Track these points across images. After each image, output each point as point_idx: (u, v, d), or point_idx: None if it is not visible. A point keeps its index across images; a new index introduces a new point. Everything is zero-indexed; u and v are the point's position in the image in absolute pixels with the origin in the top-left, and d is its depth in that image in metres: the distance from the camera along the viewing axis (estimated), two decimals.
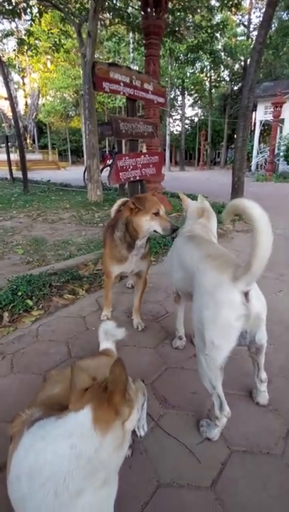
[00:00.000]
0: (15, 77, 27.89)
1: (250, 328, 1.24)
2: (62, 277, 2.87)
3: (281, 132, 16.64)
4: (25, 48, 10.19)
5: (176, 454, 1.27)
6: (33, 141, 29.45)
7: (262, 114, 19.07)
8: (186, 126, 31.51)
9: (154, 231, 1.89)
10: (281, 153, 15.62)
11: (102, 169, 8.83)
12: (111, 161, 9.97)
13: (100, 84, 3.43)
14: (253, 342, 1.31)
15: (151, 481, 1.16)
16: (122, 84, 3.71)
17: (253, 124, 18.92)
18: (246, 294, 1.18)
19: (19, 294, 2.46)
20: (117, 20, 8.64)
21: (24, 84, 33.05)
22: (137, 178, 4.21)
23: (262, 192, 9.82)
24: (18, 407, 1.48)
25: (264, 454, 1.27)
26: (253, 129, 19.41)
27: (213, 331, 1.20)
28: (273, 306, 2.55)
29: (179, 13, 8.27)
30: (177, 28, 8.67)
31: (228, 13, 13.61)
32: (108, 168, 10.11)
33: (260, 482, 1.16)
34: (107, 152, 11.15)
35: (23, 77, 33.21)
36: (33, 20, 9.17)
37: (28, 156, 13.37)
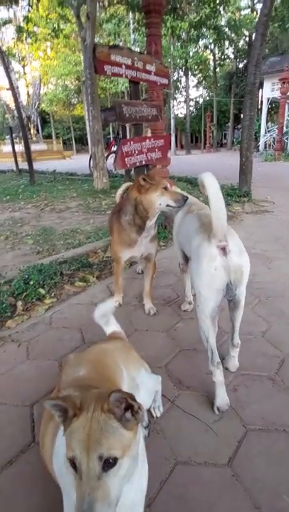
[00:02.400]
0: (15, 66, 27.50)
1: (234, 281, 1.38)
2: (73, 265, 2.89)
3: None
4: (24, 35, 9.99)
5: (192, 432, 1.29)
6: (37, 131, 29.25)
7: (269, 91, 18.44)
8: (191, 109, 30.72)
9: (167, 206, 1.88)
10: None
11: (108, 156, 8.73)
12: (116, 147, 9.86)
13: (101, 67, 3.33)
14: (233, 296, 1.44)
15: (168, 460, 1.18)
16: (123, 66, 3.60)
17: (259, 102, 18.33)
18: (224, 249, 1.36)
19: (31, 283, 2.49)
20: (116, 0, 8.36)
21: (25, 73, 32.61)
22: (143, 162, 4.14)
23: (271, 172, 9.60)
24: (37, 393, 1.53)
25: (280, 431, 1.28)
26: (259, 107, 18.81)
27: (199, 282, 1.39)
28: (285, 286, 2.53)
29: None
30: (178, 5, 8.35)
31: None
32: (113, 154, 10.01)
33: (276, 458, 1.17)
34: (111, 138, 11.00)
35: (23, 66, 32.75)
36: (31, 6, 8.95)
37: (33, 147, 13.33)
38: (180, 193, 1.87)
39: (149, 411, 1.36)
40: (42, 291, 2.49)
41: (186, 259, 1.93)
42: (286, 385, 1.51)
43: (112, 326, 1.42)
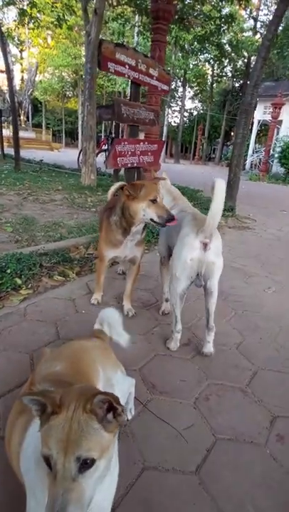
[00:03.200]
0: (12, 49, 26.79)
1: (204, 273, 1.66)
2: (53, 258, 2.82)
3: (278, 134, 16.73)
4: (27, 19, 9.77)
5: (162, 438, 1.28)
6: (27, 118, 28.58)
7: (261, 113, 19.10)
8: (185, 119, 31.19)
9: (150, 219, 1.85)
10: (276, 155, 15.73)
11: (97, 154, 8.67)
12: (106, 146, 9.79)
13: (105, 64, 3.32)
14: (206, 287, 1.73)
15: (137, 464, 1.16)
16: (127, 66, 3.61)
17: (250, 122, 18.94)
18: (205, 245, 1.61)
19: (8, 271, 2.40)
20: (125, 0, 8.38)
21: (22, 58, 31.87)
22: (135, 164, 4.15)
23: (255, 191, 9.90)
24: (6, 385, 1.47)
25: (248, 442, 1.30)
26: (250, 128, 19.44)
27: (175, 265, 1.70)
28: (262, 302, 2.60)
29: (189, 0, 8.08)
30: (186, 17, 8.49)
31: (237, 7, 13.40)
32: (103, 153, 9.94)
33: (244, 470, 1.18)
34: (102, 137, 10.94)
35: (21, 51, 32.00)
36: None
37: (21, 134, 12.96)
38: (166, 211, 1.82)
39: None
40: (18, 281, 2.41)
41: (170, 254, 1.95)
42: (257, 398, 1.54)
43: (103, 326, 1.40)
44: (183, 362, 1.78)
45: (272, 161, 16.33)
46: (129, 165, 4.02)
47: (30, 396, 0.73)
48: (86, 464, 0.66)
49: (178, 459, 1.20)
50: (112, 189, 2.50)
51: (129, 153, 3.97)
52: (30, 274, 2.51)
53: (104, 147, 9.57)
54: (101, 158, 8.14)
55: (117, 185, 2.50)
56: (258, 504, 1.07)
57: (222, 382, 1.64)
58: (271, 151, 15.70)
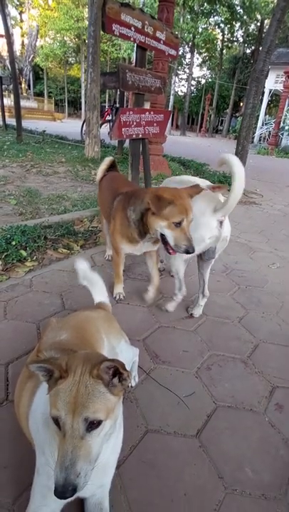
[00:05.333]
0: (12, 11, 25.39)
1: (218, 248, 1.74)
2: (58, 231, 2.82)
3: None
4: None
5: (165, 404, 1.33)
6: (28, 86, 27.54)
7: (272, 82, 18.20)
8: (192, 88, 29.89)
9: (165, 242, 1.61)
10: (286, 127, 15.16)
11: (101, 125, 8.41)
12: (111, 116, 9.47)
13: (109, 26, 3.13)
14: (211, 258, 1.78)
15: (140, 427, 1.22)
16: (133, 29, 3.40)
17: (261, 92, 18.11)
18: (221, 223, 1.63)
19: (13, 243, 2.41)
20: None
21: (22, 20, 30.24)
22: (140, 135, 4.03)
23: (263, 166, 9.65)
24: (13, 352, 1.51)
25: (247, 410, 1.35)
26: (260, 98, 18.60)
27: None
28: (266, 277, 2.60)
29: None
30: None
31: None
32: (107, 123, 9.64)
33: (242, 435, 1.24)
34: (107, 107, 10.56)
35: (20, 13, 30.32)
36: None
37: (23, 103, 12.57)
38: (188, 241, 1.51)
39: None
40: (24, 253, 2.42)
41: None
42: (257, 369, 1.58)
43: (100, 297, 1.43)
44: (186, 333, 1.81)
45: (283, 134, 15.77)
46: (134, 136, 3.90)
47: (38, 364, 0.75)
48: (93, 424, 0.70)
49: (179, 423, 1.25)
50: (103, 166, 2.38)
51: (135, 123, 3.84)
52: (35, 246, 2.52)
53: (109, 117, 9.27)
54: (105, 129, 7.89)
55: (107, 160, 2.38)
56: (255, 467, 1.12)
57: (224, 353, 1.67)
58: (281, 123, 15.11)
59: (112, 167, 2.43)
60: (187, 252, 1.52)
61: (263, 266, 2.81)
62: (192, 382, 1.47)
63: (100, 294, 1.43)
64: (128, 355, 1.33)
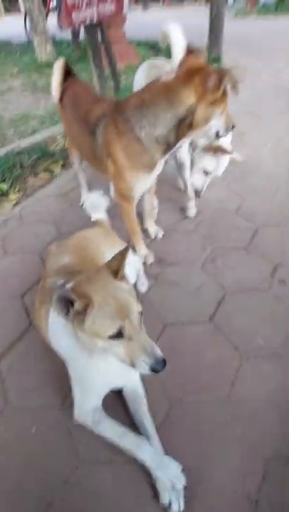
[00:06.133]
0: None
1: None
2: (32, 155, 2.61)
3: None
4: None
5: (177, 299, 1.43)
6: None
7: None
8: None
9: (216, 132, 1.30)
10: None
11: (47, 14, 7.01)
12: (55, 2, 7.82)
13: None
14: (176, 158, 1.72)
15: (157, 324, 1.32)
16: None
17: None
18: None
19: None
20: None
21: None
22: (94, 19, 3.38)
23: (243, 31, 8.35)
24: (24, 284, 1.56)
25: (254, 289, 1.44)
26: None
27: None
28: (259, 161, 2.50)
29: None
30: None
31: None
32: (54, 12, 8.01)
33: (251, 312, 1.35)
34: None
35: None
36: None
37: None
38: (232, 120, 1.32)
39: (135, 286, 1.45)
40: (4, 186, 2.29)
41: None
42: (259, 253, 1.64)
43: (97, 214, 1.39)
44: (186, 233, 1.82)
45: None
46: (87, 21, 3.27)
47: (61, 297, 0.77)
48: (141, 315, 0.81)
49: (193, 313, 1.36)
50: (57, 77, 1.66)
51: (84, 3, 3.17)
52: (14, 176, 2.37)
53: (54, 4, 7.68)
54: (53, 21, 6.61)
55: (60, 66, 1.66)
56: (266, 336, 1.25)
57: (225, 244, 1.71)
58: None
59: (67, 73, 1.71)
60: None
61: (255, 150, 2.66)
62: (199, 275, 1.54)
63: (96, 211, 1.39)
64: (134, 264, 1.36)
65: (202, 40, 4.97)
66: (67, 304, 0.77)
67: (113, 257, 0.86)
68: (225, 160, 1.75)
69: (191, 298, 1.43)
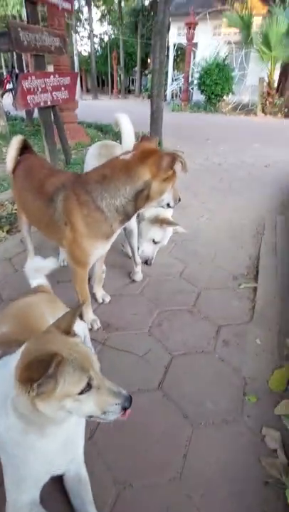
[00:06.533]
0: None
1: None
2: None
3: (194, 58, 16.14)
4: None
5: (125, 366, 1.38)
6: None
7: (175, 35, 17.95)
8: (96, 46, 28.10)
9: (167, 204, 1.49)
10: (195, 81, 15.36)
11: (3, 94, 7.57)
12: (11, 84, 8.51)
13: None
14: (126, 229, 1.80)
15: None
16: None
17: (166, 47, 17.83)
18: None
19: None
20: None
21: None
22: (48, 103, 3.73)
23: (178, 122, 9.78)
24: None
25: (199, 352, 1.46)
26: (166, 53, 18.37)
27: None
28: (198, 230, 2.74)
29: None
30: None
31: None
32: (9, 93, 8.67)
33: (199, 375, 1.35)
34: (5, 73, 9.45)
35: None
36: None
37: None
38: (178, 194, 1.54)
39: None
40: None
41: None
42: (202, 315, 1.71)
43: (38, 280, 1.35)
44: (133, 298, 1.85)
45: (192, 89, 15.99)
46: (42, 104, 3.60)
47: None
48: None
49: (142, 380, 1.31)
50: (12, 152, 1.75)
51: (40, 89, 3.53)
52: None
53: (9, 86, 8.35)
54: (8, 99, 7.13)
55: (16, 142, 1.76)
56: (214, 399, 1.25)
57: (171, 308, 1.76)
58: (190, 77, 15.24)
59: (24, 148, 1.81)
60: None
61: (193, 220, 2.94)
62: (147, 340, 1.53)
63: (37, 277, 1.36)
64: (79, 331, 1.32)
65: (146, 125, 5.69)
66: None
67: (61, 318, 0.82)
68: (170, 231, 1.93)
69: (139, 364, 1.40)
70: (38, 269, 1.38)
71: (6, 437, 0.81)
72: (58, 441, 0.81)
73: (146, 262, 2.03)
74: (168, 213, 1.96)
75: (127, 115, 1.57)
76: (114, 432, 1.12)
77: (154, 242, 1.97)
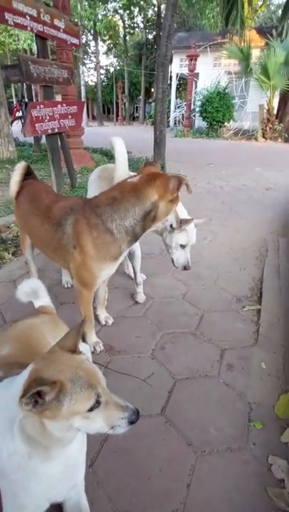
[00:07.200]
0: None
1: None
2: None
3: (196, 87, 16.82)
4: None
5: (127, 391, 1.36)
6: None
7: (177, 66, 18.84)
8: (102, 77, 29.46)
9: (170, 225, 1.71)
10: (197, 109, 15.93)
11: (12, 122, 7.89)
12: (21, 112, 8.90)
13: (1, 14, 2.91)
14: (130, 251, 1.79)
15: None
16: (28, 17, 3.22)
17: (169, 77, 18.63)
18: None
19: None
20: None
21: None
22: (56, 130, 3.88)
23: (181, 147, 10.05)
24: None
25: (203, 376, 1.44)
26: (169, 82, 19.16)
27: None
28: (201, 252, 2.76)
29: None
30: None
31: None
32: (18, 120, 9.05)
33: (202, 400, 1.32)
34: (15, 102, 9.90)
35: None
36: None
37: None
38: (179, 216, 1.71)
39: None
40: None
41: None
42: (206, 338, 1.70)
43: (41, 300, 1.36)
44: (136, 320, 1.85)
45: (195, 116, 16.54)
46: (49, 131, 3.74)
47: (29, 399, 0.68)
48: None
49: (144, 405, 1.29)
50: (16, 177, 1.80)
51: (48, 117, 3.68)
52: None
53: (19, 114, 8.73)
54: (17, 126, 7.43)
55: (20, 168, 1.81)
56: (218, 425, 1.21)
57: (174, 330, 1.75)
58: (192, 105, 15.82)
59: (27, 174, 1.85)
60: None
61: (197, 242, 2.95)
62: (149, 364, 1.51)
63: (40, 298, 1.37)
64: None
65: (150, 150, 5.85)
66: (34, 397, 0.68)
67: (65, 336, 0.83)
68: (192, 228, 1.91)
69: (141, 388, 1.37)
70: (33, 292, 1.35)
71: (8, 462, 0.79)
72: (61, 465, 0.79)
73: (185, 268, 1.93)
74: (183, 214, 1.95)
75: (121, 138, 1.57)
76: (115, 459, 1.09)
77: (182, 247, 1.91)
